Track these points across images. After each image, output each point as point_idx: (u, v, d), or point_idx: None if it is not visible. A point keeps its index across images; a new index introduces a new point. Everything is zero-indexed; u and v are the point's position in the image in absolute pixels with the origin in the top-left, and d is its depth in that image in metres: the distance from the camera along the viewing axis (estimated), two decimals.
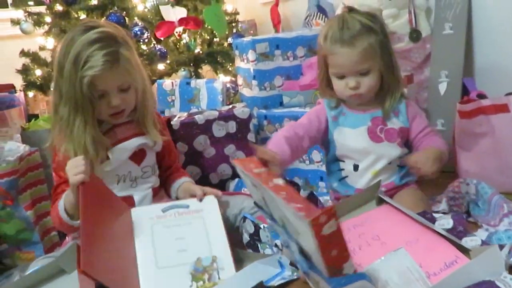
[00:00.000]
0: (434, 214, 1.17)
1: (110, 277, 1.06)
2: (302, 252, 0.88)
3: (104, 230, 1.19)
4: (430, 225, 1.08)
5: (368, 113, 1.45)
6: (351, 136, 1.46)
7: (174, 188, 1.54)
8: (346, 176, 1.49)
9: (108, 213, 1.27)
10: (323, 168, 1.85)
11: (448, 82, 2.05)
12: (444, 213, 1.35)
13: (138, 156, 1.48)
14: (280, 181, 0.93)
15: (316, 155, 1.89)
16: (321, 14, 2.65)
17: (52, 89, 1.41)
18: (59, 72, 1.35)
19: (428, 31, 2.17)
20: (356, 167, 1.47)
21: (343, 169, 1.50)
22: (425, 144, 1.43)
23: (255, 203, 1.12)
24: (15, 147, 1.75)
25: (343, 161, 1.49)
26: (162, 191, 1.57)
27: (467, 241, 1.08)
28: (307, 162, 1.94)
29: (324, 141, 1.52)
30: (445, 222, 1.14)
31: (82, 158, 1.25)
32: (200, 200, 1.37)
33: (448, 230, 1.10)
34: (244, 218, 1.35)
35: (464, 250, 1.01)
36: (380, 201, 1.20)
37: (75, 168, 1.22)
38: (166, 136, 1.57)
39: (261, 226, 1.27)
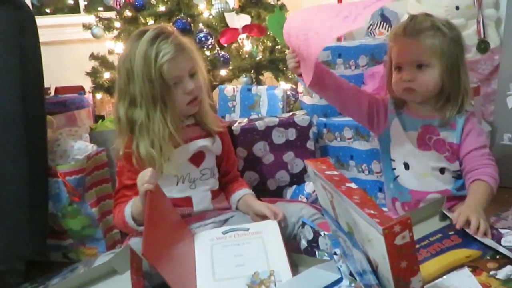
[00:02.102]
0: (500, 230, 1.14)
1: (169, 272, 1.11)
2: (368, 260, 0.87)
3: (166, 234, 1.25)
4: None
5: (421, 119, 1.45)
6: (401, 136, 1.46)
7: (234, 199, 1.57)
8: (398, 176, 1.49)
9: (169, 222, 1.34)
10: (383, 179, 1.82)
11: None
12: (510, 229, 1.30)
13: (197, 158, 1.51)
14: (353, 185, 0.92)
15: (376, 166, 1.87)
16: (384, 23, 2.62)
17: (117, 99, 1.46)
18: (129, 77, 1.40)
19: (497, 42, 2.12)
20: (406, 166, 1.46)
21: (394, 168, 1.50)
22: (473, 177, 1.34)
23: (321, 205, 1.12)
24: (84, 146, 1.82)
25: (394, 161, 1.50)
26: (222, 195, 1.60)
27: None
28: (366, 172, 1.92)
29: (381, 134, 1.53)
30: None
31: (150, 170, 1.31)
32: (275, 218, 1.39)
33: None
34: (303, 224, 1.35)
35: None
36: (444, 217, 1.18)
37: (141, 179, 1.29)
38: (225, 136, 1.61)
39: (321, 233, 1.26)
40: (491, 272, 1.00)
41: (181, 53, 1.40)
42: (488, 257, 1.04)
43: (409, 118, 1.47)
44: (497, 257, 1.04)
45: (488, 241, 1.09)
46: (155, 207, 1.25)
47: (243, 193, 1.56)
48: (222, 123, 1.64)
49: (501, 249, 1.05)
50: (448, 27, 1.37)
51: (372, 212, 0.78)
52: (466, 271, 0.97)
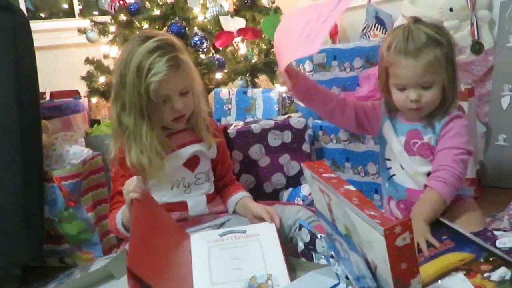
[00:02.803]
0: (495, 232, 1.14)
1: (160, 283, 1.09)
2: (367, 262, 0.87)
3: (155, 242, 1.23)
4: None
5: (407, 124, 1.44)
6: (393, 140, 1.46)
7: (232, 203, 1.56)
8: (394, 175, 1.49)
9: (159, 229, 1.32)
10: (378, 181, 1.83)
11: (511, 96, 1.99)
12: (505, 231, 1.31)
13: (192, 162, 1.51)
14: (351, 187, 0.92)
15: (372, 167, 1.88)
16: (379, 25, 2.63)
17: (112, 100, 1.46)
18: (122, 83, 1.39)
19: (491, 43, 2.12)
20: (402, 166, 1.47)
21: (390, 168, 1.50)
22: (426, 182, 1.34)
23: (316, 209, 1.12)
24: (79, 151, 1.82)
25: (390, 160, 1.50)
26: (218, 199, 1.59)
27: None
28: (362, 174, 1.92)
29: (376, 135, 1.56)
30: (506, 240, 1.11)
31: (135, 178, 1.29)
32: (271, 221, 1.38)
33: (509, 249, 1.07)
34: (300, 226, 1.35)
35: None
36: (437, 222, 1.18)
37: (127, 188, 1.27)
38: (221, 140, 1.60)
39: (318, 235, 1.26)
40: (485, 274, 1.00)
41: (175, 73, 1.36)
42: (482, 260, 1.05)
43: (398, 124, 1.47)
44: (491, 259, 1.05)
45: (483, 243, 1.09)
46: (142, 216, 1.23)
47: (240, 196, 1.56)
48: (218, 129, 1.64)
49: (496, 251, 1.05)
50: (439, 33, 1.35)
51: (372, 213, 0.78)
52: (460, 275, 0.97)
